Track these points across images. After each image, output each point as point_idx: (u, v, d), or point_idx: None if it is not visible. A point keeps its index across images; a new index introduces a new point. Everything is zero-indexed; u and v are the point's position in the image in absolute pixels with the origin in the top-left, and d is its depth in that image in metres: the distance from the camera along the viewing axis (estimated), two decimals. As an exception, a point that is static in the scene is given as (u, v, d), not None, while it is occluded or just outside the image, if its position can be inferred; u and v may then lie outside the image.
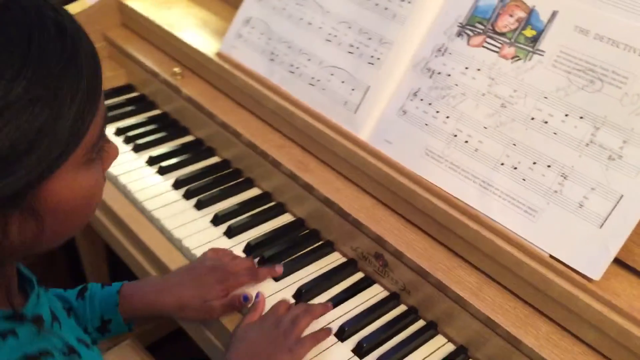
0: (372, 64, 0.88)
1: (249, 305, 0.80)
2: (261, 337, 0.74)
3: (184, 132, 1.10)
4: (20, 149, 0.43)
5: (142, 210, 0.95)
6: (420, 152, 0.82)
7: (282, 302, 0.80)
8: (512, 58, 0.78)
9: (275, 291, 0.83)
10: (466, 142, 0.79)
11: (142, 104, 1.17)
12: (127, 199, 0.97)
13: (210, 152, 1.06)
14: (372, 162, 0.84)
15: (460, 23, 0.82)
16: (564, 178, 0.72)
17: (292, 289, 0.83)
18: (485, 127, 0.78)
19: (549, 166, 0.73)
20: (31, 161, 0.44)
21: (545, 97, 0.74)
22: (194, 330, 0.85)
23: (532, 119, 0.75)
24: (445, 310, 0.77)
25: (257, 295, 0.81)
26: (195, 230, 0.91)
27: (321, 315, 0.79)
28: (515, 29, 0.78)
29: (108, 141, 0.55)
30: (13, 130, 0.43)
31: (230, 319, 0.80)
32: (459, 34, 0.82)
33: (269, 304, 0.80)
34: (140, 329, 1.12)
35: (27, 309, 0.55)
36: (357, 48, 0.90)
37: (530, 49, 0.76)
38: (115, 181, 0.99)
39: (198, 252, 0.86)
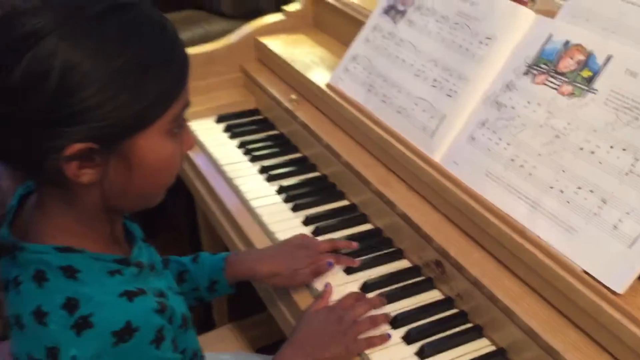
0: (450, 96, 1.01)
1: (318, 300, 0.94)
2: (323, 328, 0.87)
3: (294, 150, 1.28)
4: (124, 99, 0.60)
5: (249, 208, 1.13)
6: (481, 173, 0.93)
7: (350, 296, 0.93)
8: (569, 95, 0.87)
9: (345, 282, 0.96)
10: (521, 166, 0.89)
11: (264, 124, 1.38)
12: (237, 197, 1.16)
13: (313, 168, 1.23)
14: (440, 181, 0.96)
15: (528, 63, 0.93)
16: (604, 202, 0.80)
17: (359, 283, 0.96)
18: (540, 155, 0.87)
19: (591, 191, 0.81)
20: (131, 112, 0.61)
21: (595, 130, 0.83)
22: (272, 305, 1.01)
23: (581, 149, 0.84)
24: (491, 316, 0.86)
25: (326, 285, 0.95)
26: (288, 227, 1.07)
27: (382, 323, 0.91)
28: (574, 70, 0.88)
29: (188, 131, 0.71)
30: (121, 84, 0.60)
31: (301, 297, 0.95)
32: (526, 73, 0.92)
33: (338, 293, 0.94)
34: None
35: (131, 256, 0.72)
36: (440, 82, 1.03)
37: (585, 88, 0.85)
38: (230, 182, 1.19)
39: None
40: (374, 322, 0.88)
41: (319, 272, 0.95)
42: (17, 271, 0.67)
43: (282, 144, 1.31)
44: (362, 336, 0.87)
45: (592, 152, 0.83)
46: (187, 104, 0.69)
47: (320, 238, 1.04)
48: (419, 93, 1.06)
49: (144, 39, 0.62)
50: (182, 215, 1.80)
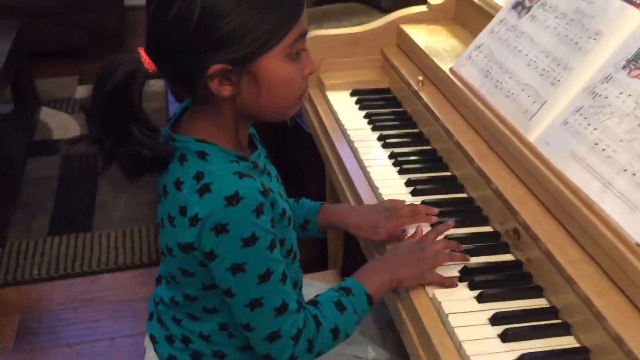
0: (553, 84, 1.10)
1: (407, 236, 1.07)
2: (407, 254, 1.01)
3: (412, 125, 1.42)
4: (245, 31, 0.79)
5: (362, 167, 1.29)
6: (567, 154, 1.01)
7: (433, 231, 1.05)
8: (658, 89, 0.93)
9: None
10: (603, 150, 0.96)
11: (391, 102, 1.53)
12: (355, 157, 1.33)
13: (426, 142, 1.36)
14: (530, 158, 1.06)
15: (628, 59, 1.00)
16: (670, 186, 0.86)
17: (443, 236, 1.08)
18: (621, 140, 0.94)
19: (661, 176, 0.88)
20: (254, 37, 0.80)
21: (675, 122, 0.89)
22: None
23: (660, 137, 0.90)
24: (552, 279, 0.95)
25: (417, 226, 1.08)
26: (391, 185, 1.22)
27: (458, 261, 1.03)
28: (668, 66, 0.94)
29: (308, 57, 0.88)
30: (243, 19, 0.78)
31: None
32: (624, 67, 1.00)
33: (421, 242, 1.07)
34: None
35: (250, 156, 0.92)
36: (547, 71, 1.12)
37: (675, 83, 0.92)
38: (351, 144, 1.36)
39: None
40: (452, 257, 1.00)
41: (394, 235, 1.09)
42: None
43: (404, 119, 1.46)
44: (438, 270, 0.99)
45: (669, 142, 0.89)
46: (304, 33, 0.86)
47: (417, 199, 1.18)
48: (527, 80, 1.16)
49: None
50: (314, 183, 2.00)
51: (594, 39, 1.07)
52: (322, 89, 1.58)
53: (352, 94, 1.56)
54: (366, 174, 1.27)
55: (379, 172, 1.26)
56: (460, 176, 1.24)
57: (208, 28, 0.79)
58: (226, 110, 0.87)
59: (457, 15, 1.62)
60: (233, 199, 0.82)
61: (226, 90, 0.84)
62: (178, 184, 0.86)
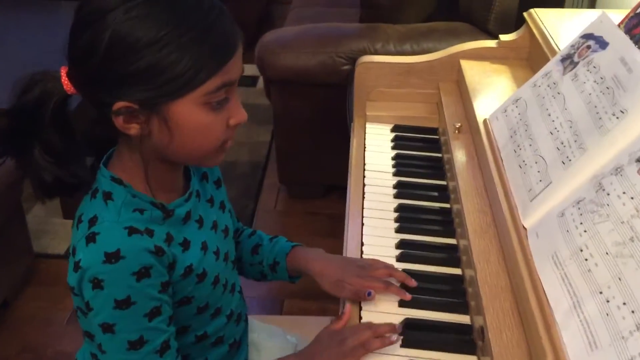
0: (564, 163, 0.91)
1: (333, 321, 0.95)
2: (326, 347, 0.91)
3: (440, 176, 1.27)
4: (156, 72, 0.72)
5: (362, 214, 1.18)
6: (550, 253, 0.83)
7: (366, 327, 0.91)
8: (664, 197, 0.73)
9: (394, 313, 0.96)
10: (586, 260, 0.77)
11: (432, 145, 1.38)
12: (360, 200, 1.22)
13: (446, 199, 1.21)
14: (515, 250, 0.89)
15: (645, 150, 0.79)
16: (637, 329, 0.67)
17: (403, 318, 0.95)
18: (607, 254, 0.75)
19: (633, 312, 0.68)
20: (167, 79, 0.72)
21: (669, 246, 0.69)
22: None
23: (647, 262, 0.70)
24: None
25: (345, 306, 0.95)
26: (379, 244, 1.10)
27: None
28: (682, 171, 0.73)
29: (237, 106, 0.79)
30: (155, 59, 0.71)
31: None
32: (638, 160, 0.79)
33: (382, 320, 0.94)
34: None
35: (169, 204, 0.84)
36: (564, 146, 0.93)
37: (683, 195, 0.71)
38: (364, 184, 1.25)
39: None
40: (374, 347, 0.88)
41: (358, 295, 0.97)
42: None
43: (435, 167, 1.31)
44: None
45: (655, 270, 0.69)
46: (230, 82, 0.77)
47: (402, 265, 1.04)
48: (544, 152, 0.97)
49: (186, 19, 0.73)
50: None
51: (617, 117, 0.86)
52: (364, 119, 1.47)
53: (393, 129, 1.43)
54: (362, 224, 1.16)
55: (374, 227, 1.14)
56: (462, 248, 1.08)
57: (115, 62, 0.73)
58: (141, 149, 0.80)
59: (531, 55, 1.42)
60: (112, 257, 0.76)
61: (133, 129, 0.77)
62: (79, 221, 0.82)
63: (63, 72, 0.79)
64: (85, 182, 0.83)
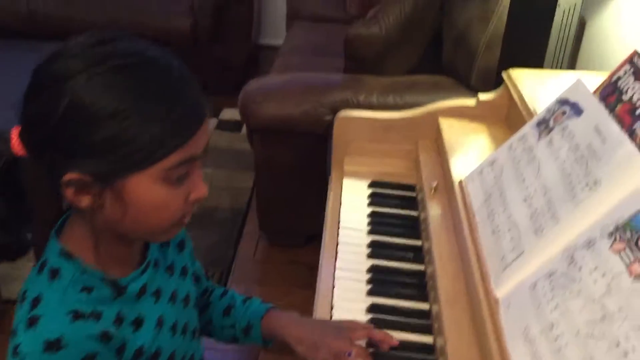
0: (537, 233, 0.89)
1: None
2: None
3: (415, 236, 1.25)
4: (114, 145, 0.68)
5: (335, 275, 1.15)
6: (521, 328, 0.80)
7: None
8: (635, 277, 0.70)
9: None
10: (555, 339, 0.75)
11: (409, 202, 1.35)
12: (334, 260, 1.18)
13: (420, 260, 1.18)
14: (486, 323, 0.86)
15: (617, 224, 0.77)
16: (607, 418, 0.63)
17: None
18: (578, 333, 0.72)
19: (602, 398, 0.65)
20: (123, 154, 0.68)
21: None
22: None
23: (617, 345, 0.67)
24: None
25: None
26: (350, 308, 1.06)
27: None
28: (654, 250, 0.71)
29: (197, 181, 0.75)
30: (113, 132, 0.68)
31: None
32: (610, 234, 0.77)
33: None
34: None
35: (122, 279, 0.79)
36: (537, 214, 0.91)
37: (655, 275, 0.68)
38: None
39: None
40: None
41: (337, 358, 0.93)
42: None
43: (411, 227, 1.28)
44: None
45: (626, 353, 0.66)
46: (192, 157, 0.73)
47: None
48: (518, 218, 0.95)
49: (151, 90, 0.70)
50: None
51: (590, 188, 0.85)
52: (341, 173, 1.45)
53: (371, 185, 1.41)
54: (333, 285, 1.12)
55: (345, 288, 1.11)
56: (435, 315, 1.05)
57: (71, 131, 0.69)
58: (95, 220, 0.75)
59: (509, 115, 1.41)
60: (54, 346, 0.71)
61: (84, 201, 0.73)
62: (23, 298, 0.76)
63: (14, 131, 0.74)
64: (13, 250, 0.79)
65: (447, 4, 2.34)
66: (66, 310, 0.73)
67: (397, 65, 2.32)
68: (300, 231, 2.47)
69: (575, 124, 0.98)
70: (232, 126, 3.33)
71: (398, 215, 1.32)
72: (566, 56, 1.72)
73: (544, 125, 1.06)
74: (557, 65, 1.67)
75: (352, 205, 1.34)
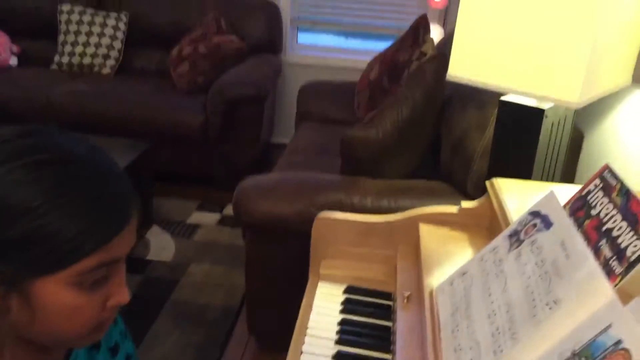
0: (496, 353, 0.82)
1: None
2: None
3: (385, 349, 1.17)
4: (23, 244, 0.63)
5: None
6: None
7: None
8: (588, 411, 0.63)
9: None
10: None
11: (384, 312, 1.29)
12: None
13: (386, 375, 1.11)
14: None
15: (574, 350, 0.71)
16: None
17: None
18: None
19: None
20: (27, 256, 0.64)
21: None
22: None
23: None
24: None
25: None
26: None
27: None
28: (608, 382, 0.64)
29: (118, 286, 0.70)
30: (25, 230, 0.63)
31: None
32: (566, 361, 0.70)
33: None
34: None
35: None
36: (498, 333, 0.85)
37: (607, 411, 0.61)
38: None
39: None
40: None
41: None
42: None
43: (382, 337, 1.21)
44: None
45: None
46: (111, 261, 0.68)
47: None
48: (479, 337, 0.89)
49: (72, 187, 0.66)
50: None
51: (550, 308, 0.79)
52: (318, 277, 1.40)
53: (346, 291, 1.35)
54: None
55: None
56: None
57: None
58: (0, 325, 0.70)
59: (491, 225, 1.37)
60: None
61: None
62: None
63: None
64: None
65: (447, 109, 2.36)
66: None
67: (396, 168, 2.31)
68: (290, 335, 2.38)
69: (543, 238, 0.93)
70: (234, 222, 3.32)
71: (370, 325, 1.25)
72: (558, 169, 1.69)
73: (515, 238, 1.01)
74: (547, 177, 1.64)
75: (323, 311, 1.28)
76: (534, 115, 1.48)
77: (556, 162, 1.65)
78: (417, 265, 1.32)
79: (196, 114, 3.50)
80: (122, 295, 0.71)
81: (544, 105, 1.49)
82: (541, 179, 1.58)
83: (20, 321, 0.68)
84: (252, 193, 2.18)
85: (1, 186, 0.65)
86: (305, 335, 1.20)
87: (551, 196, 1.00)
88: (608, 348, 0.67)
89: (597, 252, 0.82)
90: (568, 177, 1.87)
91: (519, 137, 1.52)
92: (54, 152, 0.68)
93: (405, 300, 1.19)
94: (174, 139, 3.52)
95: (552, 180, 1.64)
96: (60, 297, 0.67)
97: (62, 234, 0.65)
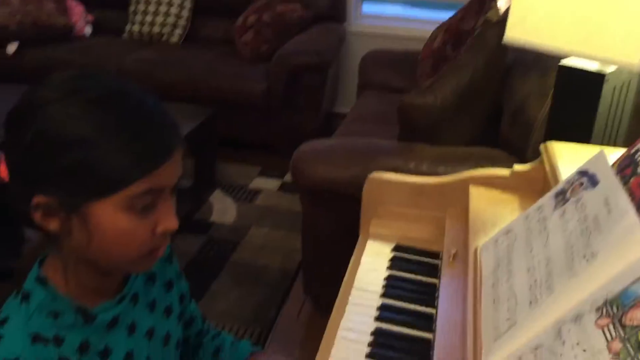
0: (531, 303, 0.83)
1: None
2: None
3: (430, 303, 1.20)
4: (80, 171, 0.70)
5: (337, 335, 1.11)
6: (498, 403, 0.75)
7: None
8: (614, 355, 0.64)
9: None
10: (528, 416, 0.69)
11: (431, 269, 1.31)
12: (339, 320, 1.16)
13: (428, 328, 1.13)
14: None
15: (606, 299, 0.71)
16: None
17: None
18: (550, 412, 0.67)
19: None
20: (88, 178, 0.71)
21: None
22: None
23: None
24: None
25: None
26: None
27: None
28: (637, 327, 0.64)
29: (166, 213, 0.76)
30: (79, 158, 0.70)
31: None
32: (598, 309, 0.71)
33: None
34: None
35: (94, 309, 0.81)
36: (535, 285, 0.86)
37: (632, 355, 0.62)
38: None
39: None
40: None
41: None
42: None
43: (427, 293, 1.23)
44: None
45: None
46: (159, 188, 0.75)
47: None
48: (518, 288, 0.90)
49: (121, 120, 0.73)
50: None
51: (587, 260, 0.79)
52: (367, 236, 1.43)
53: (394, 249, 1.38)
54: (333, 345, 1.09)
55: (343, 349, 1.07)
56: None
57: (40, 155, 0.73)
58: (63, 247, 0.78)
59: (544, 189, 1.36)
60: None
61: (51, 226, 0.75)
62: None
63: (2, 157, 0.78)
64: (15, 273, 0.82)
65: (508, 77, 2.32)
66: (27, 332, 0.75)
67: (454, 135, 2.30)
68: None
69: (588, 196, 0.93)
70: (294, 189, 3.38)
71: (416, 281, 1.27)
72: (621, 134, 1.65)
73: (562, 197, 1.01)
74: (608, 142, 1.60)
75: (370, 266, 1.32)
76: (594, 81, 1.45)
77: (618, 127, 1.61)
78: (465, 225, 1.32)
79: (259, 81, 3.56)
80: (170, 221, 0.77)
81: (606, 69, 1.46)
82: (601, 145, 1.55)
83: (80, 243, 0.75)
84: (309, 157, 2.22)
85: (58, 120, 0.72)
86: (352, 287, 1.24)
87: (600, 155, 0.99)
88: (639, 296, 0.68)
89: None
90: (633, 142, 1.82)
91: (578, 103, 1.49)
92: (105, 90, 0.75)
93: (451, 258, 1.20)
94: (237, 106, 3.60)
95: (615, 146, 1.60)
96: (114, 220, 0.73)
97: (111, 162, 0.71)
